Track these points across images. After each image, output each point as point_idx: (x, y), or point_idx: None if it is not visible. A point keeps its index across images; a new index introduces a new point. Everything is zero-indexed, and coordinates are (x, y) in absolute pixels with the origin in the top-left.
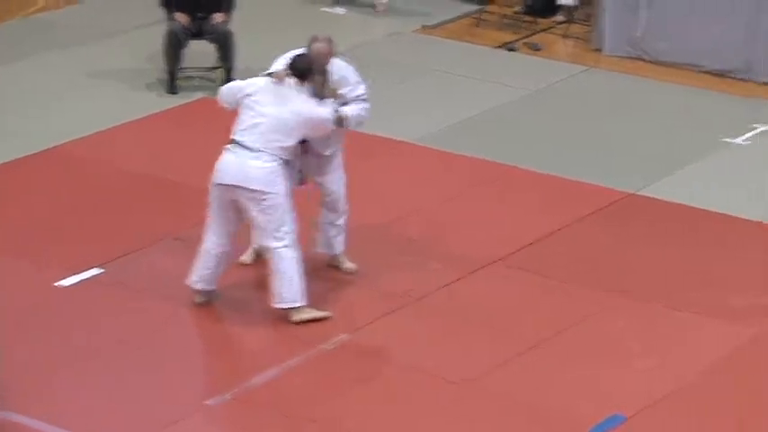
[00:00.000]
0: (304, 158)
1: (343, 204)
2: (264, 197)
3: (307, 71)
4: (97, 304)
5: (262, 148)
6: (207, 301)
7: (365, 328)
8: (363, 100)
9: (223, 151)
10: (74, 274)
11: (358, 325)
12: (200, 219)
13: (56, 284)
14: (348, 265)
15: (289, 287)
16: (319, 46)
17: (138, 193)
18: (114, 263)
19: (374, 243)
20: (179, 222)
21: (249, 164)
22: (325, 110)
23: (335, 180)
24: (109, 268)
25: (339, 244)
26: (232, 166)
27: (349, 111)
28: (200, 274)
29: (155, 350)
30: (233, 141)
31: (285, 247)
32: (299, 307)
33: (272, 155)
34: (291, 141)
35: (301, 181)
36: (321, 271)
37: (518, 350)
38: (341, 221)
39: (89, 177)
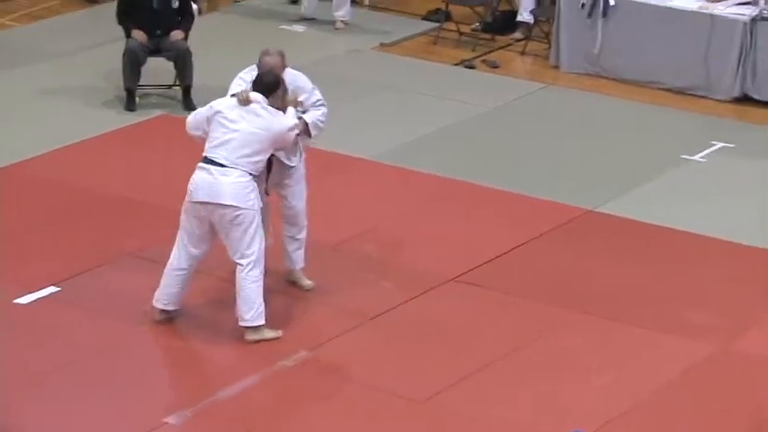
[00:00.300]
0: (271, 171)
1: (303, 219)
2: (237, 213)
3: (273, 86)
4: (53, 322)
5: (234, 164)
6: (167, 319)
7: (325, 345)
8: (321, 105)
9: (196, 169)
10: (30, 292)
11: (317, 342)
12: (158, 237)
13: (14, 302)
14: (306, 282)
15: (249, 308)
16: (269, 59)
17: (95, 210)
18: (71, 281)
19: (331, 260)
20: (137, 240)
21: (221, 180)
22: (288, 119)
23: (297, 193)
24: (65, 286)
25: (299, 259)
26: (204, 182)
27: (309, 117)
28: (165, 293)
29: (113, 368)
30: (205, 159)
31: (251, 267)
32: (256, 327)
33: (244, 170)
34: (262, 156)
35: (266, 191)
36: (280, 285)
37: (476, 367)
38: (301, 236)
39: (45, 195)
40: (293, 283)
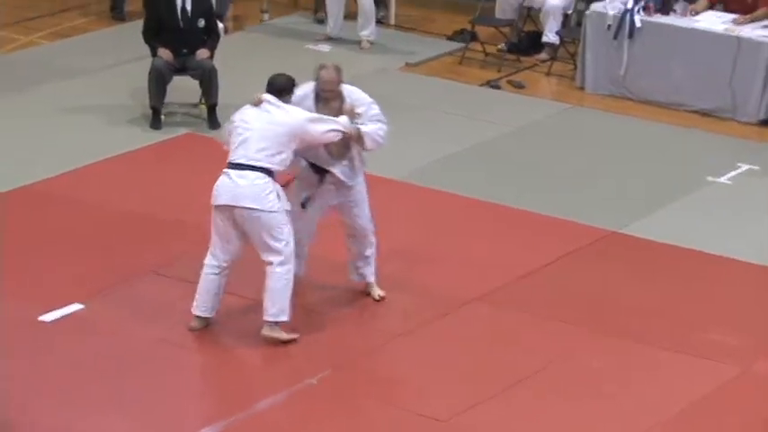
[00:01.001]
0: (321, 185)
1: (370, 236)
2: (256, 214)
3: (283, 87)
4: (78, 339)
5: (252, 164)
6: (201, 327)
7: (349, 363)
8: (379, 120)
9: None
10: (54, 309)
11: (342, 360)
12: (183, 254)
13: (39, 319)
14: (378, 292)
15: (273, 303)
16: (323, 72)
17: (120, 228)
18: (95, 298)
19: (345, 278)
20: (162, 257)
21: (239, 183)
22: (331, 121)
23: (358, 214)
24: (90, 303)
25: (369, 274)
26: (224, 186)
27: (365, 128)
28: (200, 299)
29: (136, 386)
30: (227, 164)
31: (279, 264)
32: (275, 323)
33: (263, 169)
34: (284, 152)
35: (304, 203)
36: (305, 303)
37: (499, 387)
38: (369, 252)
39: (71, 212)
40: (367, 295)
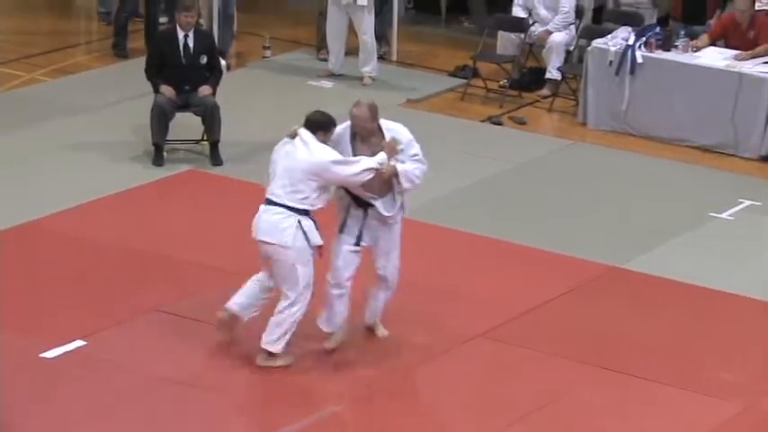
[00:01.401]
0: (366, 219)
1: (392, 282)
2: (271, 248)
3: (319, 123)
4: (80, 376)
5: (274, 199)
6: (228, 322)
7: (354, 401)
8: (418, 160)
9: None
10: (57, 346)
11: (346, 397)
12: (185, 292)
13: (41, 356)
14: (381, 331)
15: (272, 332)
16: (355, 110)
17: (122, 265)
18: (97, 335)
19: (359, 316)
20: (164, 295)
21: (262, 217)
22: (360, 162)
23: (392, 259)
24: (92, 340)
25: (377, 311)
26: (255, 221)
27: (402, 167)
28: (238, 299)
29: (137, 424)
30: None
31: (288, 304)
32: (269, 353)
33: (285, 205)
34: (305, 189)
35: (357, 241)
36: (308, 339)
37: (503, 423)
38: (384, 295)
39: (73, 249)
40: (370, 331)
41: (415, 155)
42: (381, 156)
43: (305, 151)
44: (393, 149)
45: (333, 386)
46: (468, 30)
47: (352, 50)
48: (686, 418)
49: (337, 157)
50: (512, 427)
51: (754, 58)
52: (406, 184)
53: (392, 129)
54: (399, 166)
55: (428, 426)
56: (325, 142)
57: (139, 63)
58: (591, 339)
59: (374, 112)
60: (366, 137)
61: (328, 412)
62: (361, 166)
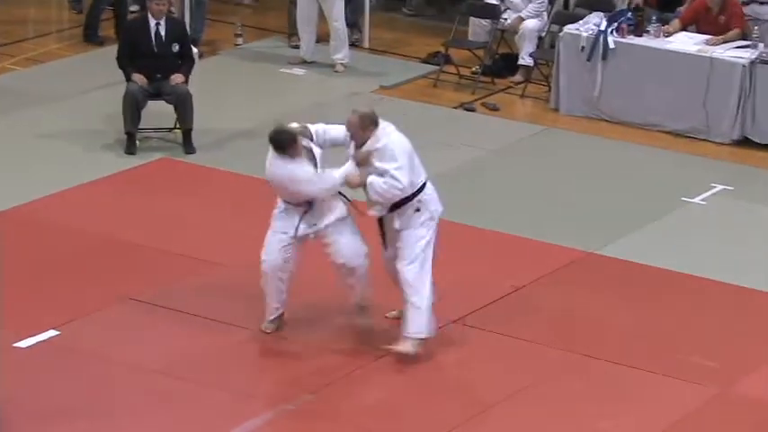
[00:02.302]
0: (385, 229)
1: (408, 286)
2: None
3: (278, 143)
4: (53, 366)
5: None
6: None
7: (327, 388)
8: (392, 176)
9: None
10: (30, 336)
11: (320, 385)
12: (157, 280)
13: (14, 345)
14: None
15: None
16: (349, 117)
17: (95, 254)
18: (70, 325)
19: (332, 302)
20: (137, 284)
21: None
22: (313, 173)
23: (399, 256)
24: (65, 330)
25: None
26: None
27: (372, 179)
28: (275, 300)
29: (110, 412)
30: None
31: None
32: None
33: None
34: (284, 196)
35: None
36: (282, 329)
37: (477, 410)
38: (411, 300)
39: (45, 239)
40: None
41: (388, 170)
42: (346, 168)
43: (280, 169)
44: (364, 160)
45: (307, 374)
46: (441, 17)
47: (324, 37)
48: (661, 403)
49: (298, 175)
50: (488, 412)
51: (726, 42)
52: (372, 196)
53: (382, 138)
54: (369, 178)
55: (400, 413)
56: (294, 155)
57: (111, 51)
58: (566, 325)
59: (365, 122)
60: (359, 144)
61: (301, 401)
62: (322, 185)
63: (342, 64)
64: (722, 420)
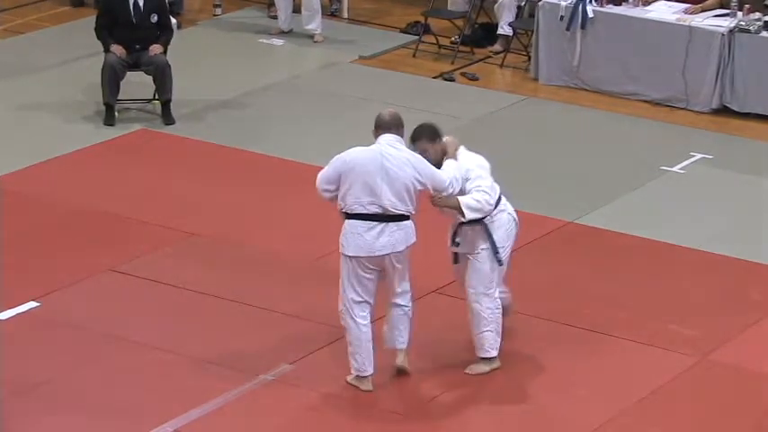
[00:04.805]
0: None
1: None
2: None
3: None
4: (33, 338)
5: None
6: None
7: (306, 358)
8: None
9: None
10: (10, 307)
11: (299, 355)
12: (137, 251)
13: None
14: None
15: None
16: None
17: (75, 225)
18: (51, 296)
19: (312, 274)
20: (117, 255)
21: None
22: None
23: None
24: (45, 302)
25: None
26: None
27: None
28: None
29: (90, 383)
30: None
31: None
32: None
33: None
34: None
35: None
36: (261, 303)
37: (459, 380)
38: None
39: (24, 210)
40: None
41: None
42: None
43: None
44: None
45: (286, 344)
46: None
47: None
48: (640, 371)
49: None
50: (470, 379)
51: (705, 11)
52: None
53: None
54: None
55: (382, 383)
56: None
57: (89, 23)
58: (546, 294)
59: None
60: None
61: (280, 371)
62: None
63: (320, 34)
64: (700, 388)
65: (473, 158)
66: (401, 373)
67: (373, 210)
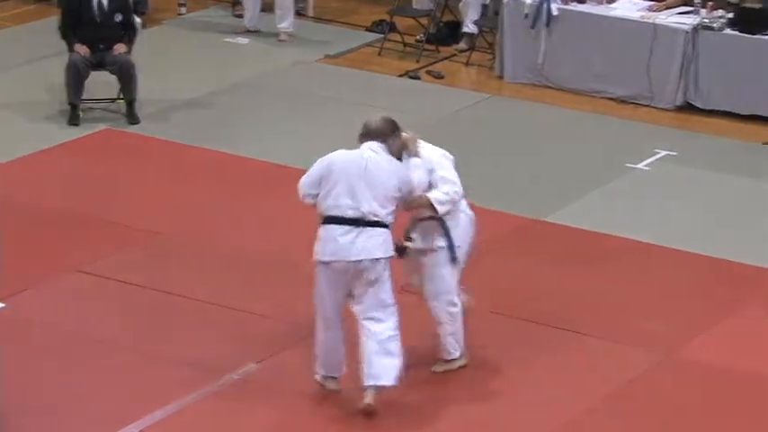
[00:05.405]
0: None
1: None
2: None
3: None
4: None
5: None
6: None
7: (274, 356)
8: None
9: None
10: None
11: (266, 354)
12: (102, 251)
13: None
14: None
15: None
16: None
17: (39, 225)
18: (16, 297)
19: (284, 271)
20: (81, 255)
21: None
22: None
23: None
24: (10, 302)
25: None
26: None
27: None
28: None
29: (56, 384)
30: None
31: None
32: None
33: None
34: None
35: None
36: (229, 302)
37: (424, 377)
38: None
39: None
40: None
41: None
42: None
43: None
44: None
45: (252, 343)
46: None
47: (268, 6)
48: (608, 368)
49: None
50: (437, 377)
51: (668, 9)
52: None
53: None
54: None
55: (355, 377)
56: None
57: (53, 22)
58: (512, 292)
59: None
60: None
61: (246, 370)
62: None
63: (286, 33)
64: (668, 384)
65: (436, 150)
66: (366, 412)
67: (351, 214)
